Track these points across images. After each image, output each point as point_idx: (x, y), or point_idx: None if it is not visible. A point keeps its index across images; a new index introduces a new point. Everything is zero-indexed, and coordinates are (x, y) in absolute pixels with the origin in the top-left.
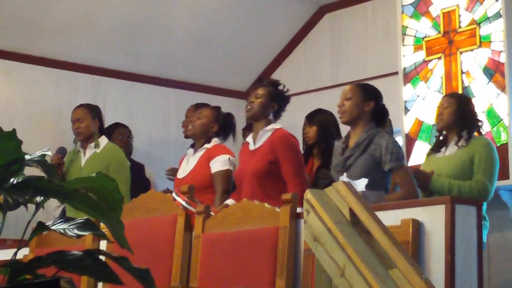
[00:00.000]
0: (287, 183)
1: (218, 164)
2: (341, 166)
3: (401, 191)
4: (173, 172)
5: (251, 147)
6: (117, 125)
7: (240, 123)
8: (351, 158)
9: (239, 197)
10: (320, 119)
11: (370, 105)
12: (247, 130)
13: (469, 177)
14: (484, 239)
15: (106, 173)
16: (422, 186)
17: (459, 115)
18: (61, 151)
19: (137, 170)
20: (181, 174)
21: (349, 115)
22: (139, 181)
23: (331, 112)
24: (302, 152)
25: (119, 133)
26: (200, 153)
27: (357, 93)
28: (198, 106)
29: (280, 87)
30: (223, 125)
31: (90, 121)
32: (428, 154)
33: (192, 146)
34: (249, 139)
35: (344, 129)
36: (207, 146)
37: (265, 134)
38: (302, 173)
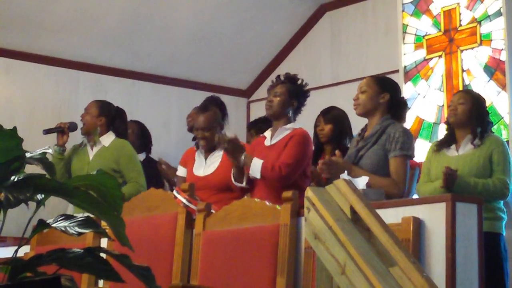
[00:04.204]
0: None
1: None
2: (353, 158)
3: (390, 179)
4: (167, 167)
5: (267, 142)
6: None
7: (241, 121)
8: (363, 149)
9: (253, 192)
10: (335, 117)
11: (385, 97)
12: (252, 128)
13: (487, 175)
14: (504, 231)
15: (117, 167)
16: (449, 184)
17: (474, 113)
18: (71, 124)
19: (154, 166)
20: (199, 171)
21: (363, 108)
22: (155, 177)
23: (343, 110)
24: (313, 148)
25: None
26: (221, 152)
27: (372, 85)
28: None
29: (299, 82)
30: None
31: (94, 116)
32: (435, 150)
33: (194, 139)
34: (267, 133)
35: (356, 128)
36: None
37: (283, 132)
38: (295, 166)
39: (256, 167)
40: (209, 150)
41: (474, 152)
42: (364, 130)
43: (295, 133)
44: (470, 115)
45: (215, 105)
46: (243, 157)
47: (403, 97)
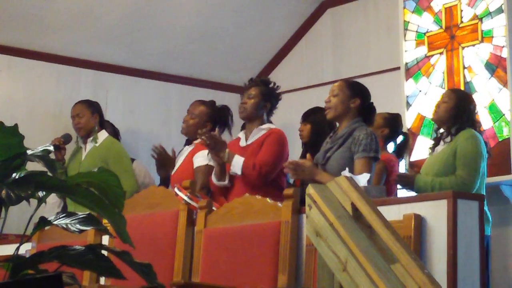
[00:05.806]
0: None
1: (199, 160)
2: (321, 159)
3: None
4: (159, 151)
5: (242, 143)
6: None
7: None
8: (330, 151)
9: (232, 191)
10: (314, 118)
11: (356, 102)
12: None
13: (453, 172)
14: (489, 232)
15: (106, 166)
16: (408, 188)
17: (454, 112)
18: (65, 137)
19: None
20: (173, 170)
21: (334, 111)
22: None
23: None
24: (301, 150)
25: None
26: (190, 148)
27: (344, 89)
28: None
29: (271, 85)
30: (218, 120)
31: (89, 116)
32: (429, 153)
33: (188, 142)
34: (241, 135)
35: None
36: (196, 142)
37: (259, 132)
38: (274, 165)
39: (237, 164)
40: (187, 144)
41: (443, 149)
42: (335, 132)
43: (271, 132)
44: (449, 114)
45: (222, 110)
46: (226, 154)
47: (372, 103)
